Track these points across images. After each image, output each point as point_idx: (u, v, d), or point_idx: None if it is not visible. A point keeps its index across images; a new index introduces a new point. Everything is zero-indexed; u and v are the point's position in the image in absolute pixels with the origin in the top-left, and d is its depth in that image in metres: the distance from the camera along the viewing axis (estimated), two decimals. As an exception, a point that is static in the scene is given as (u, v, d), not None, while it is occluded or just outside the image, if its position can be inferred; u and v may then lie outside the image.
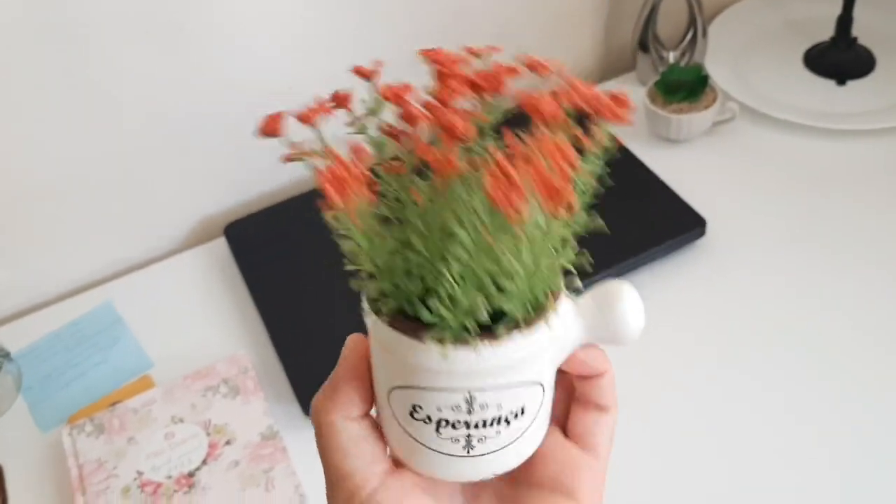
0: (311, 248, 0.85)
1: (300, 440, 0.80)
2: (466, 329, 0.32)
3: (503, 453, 0.36)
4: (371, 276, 0.34)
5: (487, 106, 0.34)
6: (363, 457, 0.36)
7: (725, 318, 0.87)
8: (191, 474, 0.78)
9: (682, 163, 1.02)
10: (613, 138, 0.34)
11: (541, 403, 0.36)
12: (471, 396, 0.33)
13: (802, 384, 0.80)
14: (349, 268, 0.33)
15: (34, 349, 0.93)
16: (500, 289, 0.32)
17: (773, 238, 0.93)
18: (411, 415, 0.35)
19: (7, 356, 0.90)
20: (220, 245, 1.01)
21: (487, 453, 0.35)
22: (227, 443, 0.80)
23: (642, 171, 0.99)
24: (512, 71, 0.33)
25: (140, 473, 0.78)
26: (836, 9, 1.10)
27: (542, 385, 0.35)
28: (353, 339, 0.37)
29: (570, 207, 0.28)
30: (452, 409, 0.34)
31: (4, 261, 0.97)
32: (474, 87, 0.33)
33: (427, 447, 0.35)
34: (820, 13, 1.17)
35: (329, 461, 0.36)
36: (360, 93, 0.36)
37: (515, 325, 0.32)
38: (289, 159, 0.33)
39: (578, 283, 0.36)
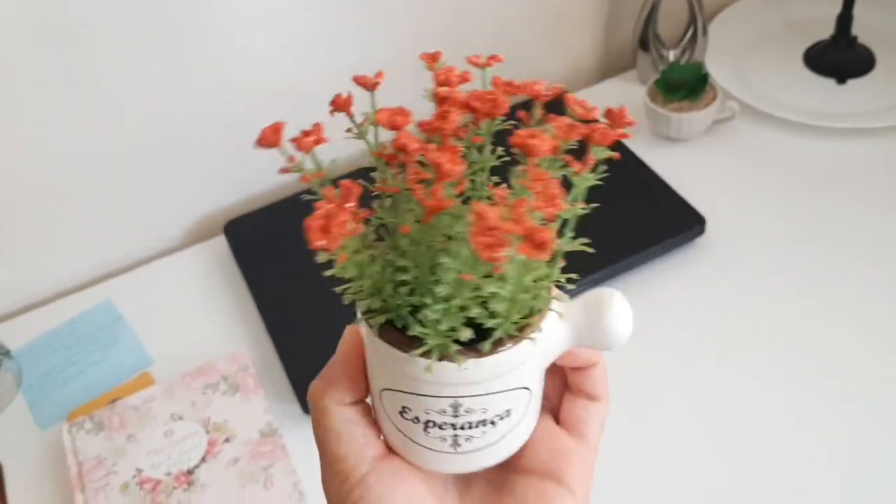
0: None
1: (299, 438, 0.80)
2: (453, 343, 0.33)
3: (490, 450, 0.37)
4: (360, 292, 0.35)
5: (483, 128, 0.35)
6: (356, 441, 0.36)
7: (725, 316, 0.87)
8: (190, 472, 0.78)
9: (682, 161, 1.02)
10: (610, 157, 0.34)
11: (527, 404, 0.36)
12: (456, 402, 0.34)
13: (802, 384, 0.80)
14: (339, 289, 0.34)
15: (34, 347, 0.93)
16: (485, 307, 0.32)
17: (773, 237, 0.93)
18: (401, 414, 0.36)
19: (7, 354, 0.90)
20: (220, 243, 1.01)
21: (474, 450, 0.36)
22: (227, 440, 0.80)
23: (642, 169, 0.99)
24: (504, 100, 0.34)
25: (139, 471, 0.78)
26: (836, 7, 1.10)
27: (528, 388, 0.36)
28: (349, 331, 0.38)
29: (551, 253, 0.29)
30: (439, 412, 0.35)
31: (5, 259, 0.97)
32: (471, 110, 0.34)
33: (416, 443, 0.36)
34: (820, 12, 1.17)
35: (323, 445, 0.37)
36: (361, 93, 0.36)
37: (500, 341, 0.33)
38: (285, 171, 0.34)
39: (565, 295, 0.37)
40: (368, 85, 0.36)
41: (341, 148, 0.38)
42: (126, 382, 0.89)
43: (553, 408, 0.40)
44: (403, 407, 0.35)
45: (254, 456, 0.78)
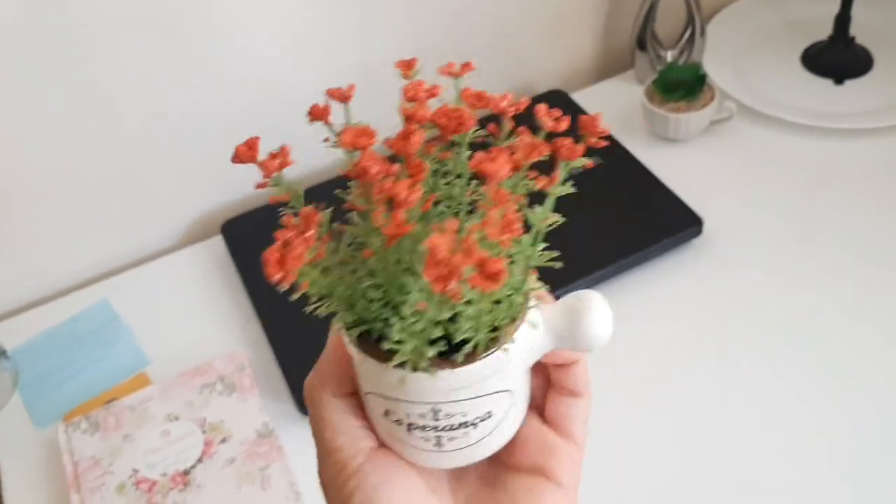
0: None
1: (296, 438, 0.80)
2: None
3: (474, 448, 0.37)
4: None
5: (449, 145, 0.35)
6: (352, 432, 0.37)
7: (722, 316, 0.87)
8: (186, 472, 0.78)
9: (680, 161, 1.02)
10: (583, 166, 0.34)
11: (509, 405, 0.37)
12: (436, 408, 0.35)
13: (800, 384, 0.80)
14: (310, 307, 0.35)
15: (31, 346, 0.93)
16: (455, 322, 0.33)
17: (770, 237, 0.93)
18: (384, 415, 0.36)
19: (3, 353, 0.90)
20: (217, 243, 1.01)
21: (458, 449, 0.37)
22: (223, 440, 0.80)
23: (640, 169, 0.99)
24: (471, 116, 0.34)
25: (135, 471, 0.78)
26: (835, 8, 1.10)
27: (508, 391, 0.36)
28: (335, 328, 0.38)
29: (503, 282, 0.29)
30: (419, 416, 0.35)
31: (2, 258, 0.97)
32: (437, 126, 0.34)
33: (402, 441, 0.37)
34: (818, 12, 1.17)
35: (320, 435, 0.37)
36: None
37: (473, 352, 0.33)
38: (261, 187, 0.35)
39: (548, 295, 0.37)
40: (341, 98, 0.36)
41: (329, 153, 0.38)
42: (123, 382, 0.88)
43: (538, 405, 0.40)
44: (386, 410, 0.36)
45: (250, 456, 0.78)
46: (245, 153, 0.35)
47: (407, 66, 0.37)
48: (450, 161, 0.36)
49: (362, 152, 0.33)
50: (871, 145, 1.02)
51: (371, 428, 0.38)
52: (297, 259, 0.31)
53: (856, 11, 1.10)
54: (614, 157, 1.00)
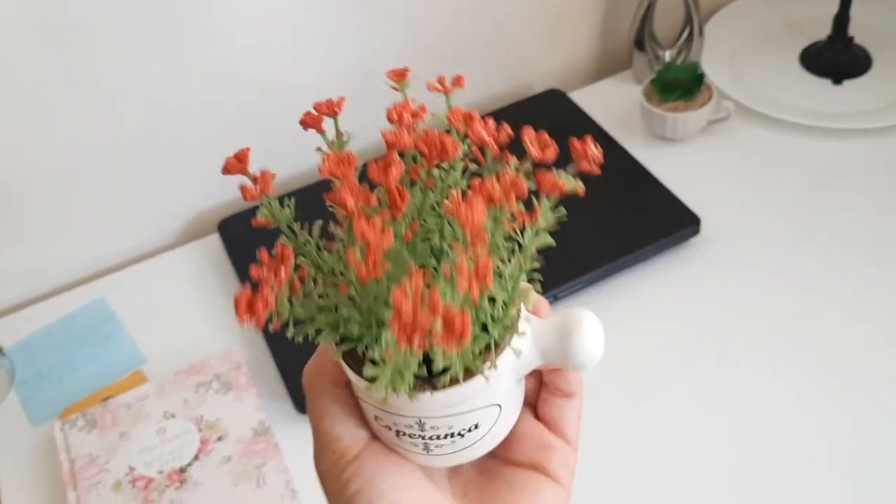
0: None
1: (292, 436, 0.80)
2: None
3: (463, 453, 0.37)
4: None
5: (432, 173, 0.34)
6: (350, 421, 0.37)
7: (719, 316, 0.87)
8: (182, 470, 0.78)
9: (678, 161, 1.02)
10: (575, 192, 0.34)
11: (497, 415, 0.37)
12: (421, 421, 0.35)
13: (800, 383, 0.80)
14: (291, 332, 0.34)
15: (27, 344, 0.93)
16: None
17: (768, 236, 0.93)
18: (375, 419, 0.37)
19: (0, 350, 0.90)
20: (214, 241, 1.01)
21: (447, 454, 0.37)
22: (219, 438, 0.79)
23: (637, 169, 0.99)
24: (455, 145, 0.33)
25: (132, 468, 0.78)
26: (833, 8, 1.10)
27: (497, 405, 0.36)
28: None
29: (468, 339, 0.29)
30: (406, 426, 0.35)
31: (0, 255, 0.97)
32: (420, 152, 0.34)
33: (392, 442, 0.37)
34: (817, 12, 1.17)
35: (318, 424, 0.38)
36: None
37: (455, 378, 0.33)
38: (247, 198, 0.35)
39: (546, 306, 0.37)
40: (329, 111, 0.36)
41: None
42: (119, 380, 0.88)
43: (531, 403, 0.41)
44: (375, 416, 0.36)
45: (246, 454, 0.78)
46: (235, 166, 0.35)
47: (399, 75, 0.37)
48: (436, 188, 0.35)
49: (341, 182, 0.32)
50: (870, 145, 1.02)
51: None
52: (266, 305, 0.31)
53: (854, 11, 1.10)
54: (612, 157, 0.99)
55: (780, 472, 0.74)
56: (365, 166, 0.33)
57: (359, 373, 0.34)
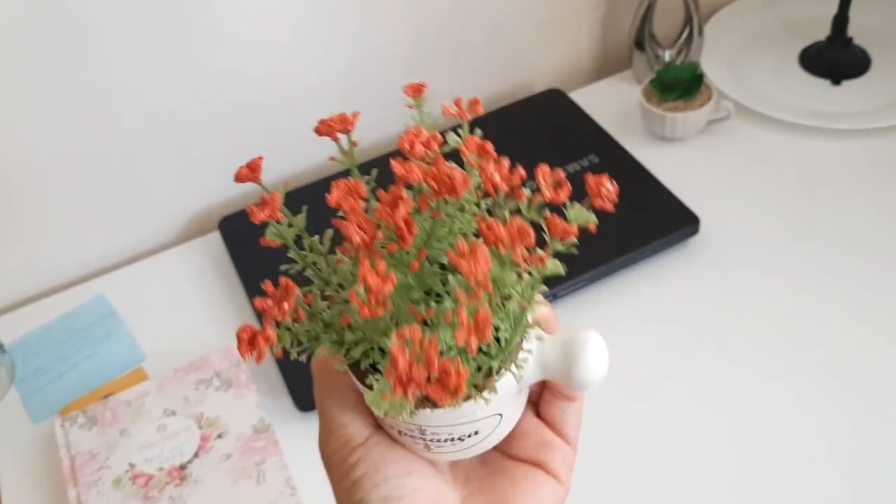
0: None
1: (292, 433, 0.80)
2: None
3: (463, 452, 0.38)
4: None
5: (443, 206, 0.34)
6: (358, 407, 0.38)
7: (719, 316, 0.87)
8: (182, 467, 0.78)
9: (677, 161, 1.03)
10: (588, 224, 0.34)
11: (498, 423, 0.37)
12: (422, 428, 0.35)
13: (800, 383, 0.80)
14: (293, 351, 0.35)
15: (27, 341, 0.93)
16: None
17: (767, 236, 0.94)
18: (377, 418, 0.38)
19: (0, 348, 0.90)
20: (215, 239, 1.01)
21: (447, 453, 0.38)
22: (220, 436, 0.80)
23: (637, 168, 0.99)
24: (464, 182, 0.32)
25: (132, 465, 0.78)
26: (832, 9, 1.11)
27: (497, 415, 0.37)
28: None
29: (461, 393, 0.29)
30: (408, 429, 0.36)
31: (1, 253, 0.97)
32: (430, 186, 0.33)
33: (395, 437, 0.38)
34: (816, 13, 1.17)
35: (326, 409, 0.38)
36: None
37: None
38: (258, 221, 0.35)
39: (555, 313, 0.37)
40: (343, 128, 0.36)
41: (329, 151, 0.38)
42: (119, 378, 0.89)
43: (534, 402, 0.41)
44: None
45: (246, 451, 0.78)
46: (247, 175, 0.35)
47: (416, 91, 0.36)
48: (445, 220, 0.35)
49: (348, 214, 0.32)
50: (869, 145, 1.02)
51: None
52: (267, 340, 0.32)
53: (854, 12, 1.10)
54: (611, 157, 1.00)
55: (780, 472, 0.74)
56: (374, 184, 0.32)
57: (363, 380, 0.35)
